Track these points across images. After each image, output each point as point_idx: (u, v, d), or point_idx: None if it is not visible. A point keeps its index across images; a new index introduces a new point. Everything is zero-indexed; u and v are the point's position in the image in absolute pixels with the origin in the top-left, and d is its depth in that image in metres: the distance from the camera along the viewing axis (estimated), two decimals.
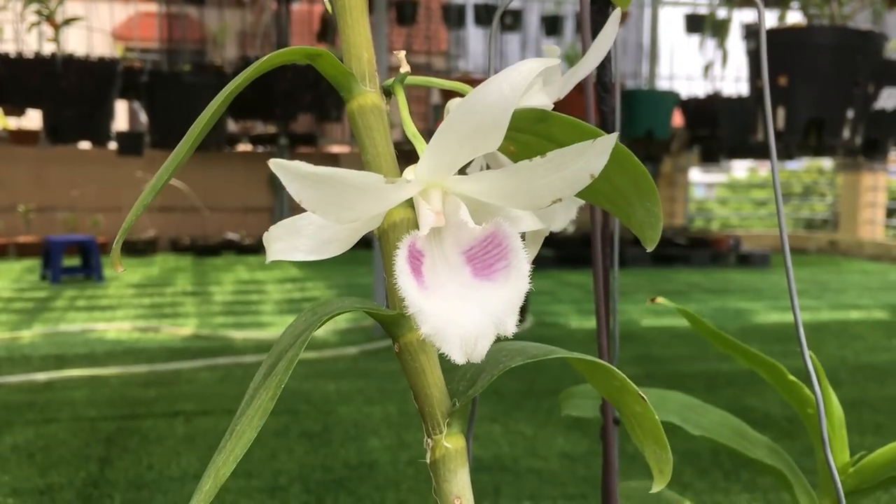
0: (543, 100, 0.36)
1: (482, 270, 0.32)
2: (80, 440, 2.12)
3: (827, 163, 9.78)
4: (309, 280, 5.49)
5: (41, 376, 2.73)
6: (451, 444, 0.35)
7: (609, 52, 0.47)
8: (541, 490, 1.81)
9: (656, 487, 0.39)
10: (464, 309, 0.31)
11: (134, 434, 2.17)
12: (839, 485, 0.41)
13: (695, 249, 6.66)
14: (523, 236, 0.31)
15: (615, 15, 0.36)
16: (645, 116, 5.13)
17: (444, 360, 0.31)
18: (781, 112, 2.27)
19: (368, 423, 2.28)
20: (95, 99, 3.51)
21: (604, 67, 0.47)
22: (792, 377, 0.49)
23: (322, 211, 0.31)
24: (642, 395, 0.34)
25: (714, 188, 12.08)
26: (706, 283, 5.46)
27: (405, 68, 0.34)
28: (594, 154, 0.30)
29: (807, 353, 0.46)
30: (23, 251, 6.78)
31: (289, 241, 0.34)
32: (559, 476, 1.89)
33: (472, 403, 0.37)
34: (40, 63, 3.41)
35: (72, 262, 5.63)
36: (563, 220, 0.37)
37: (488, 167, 0.38)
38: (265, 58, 0.32)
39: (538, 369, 2.88)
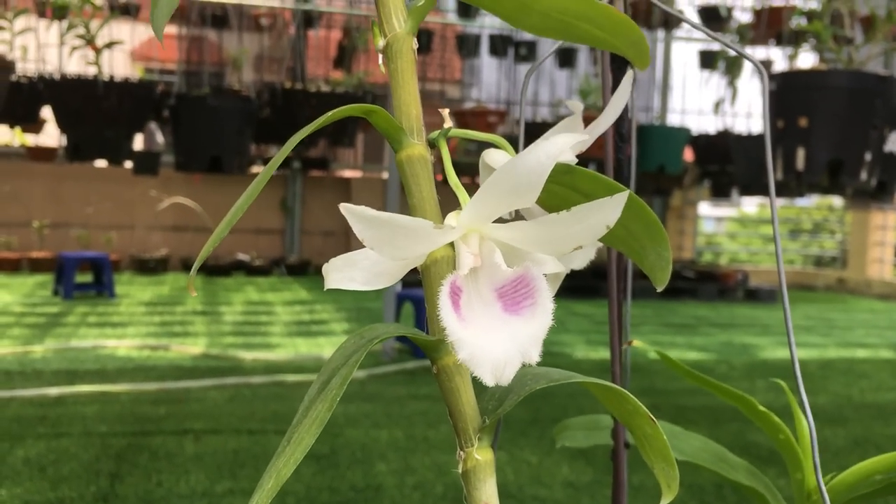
0: (569, 156, 0.40)
1: (511, 306, 0.37)
2: (91, 455, 2.15)
3: (837, 200, 9.81)
4: (318, 303, 5.52)
5: (53, 391, 2.77)
6: (480, 456, 0.40)
7: (626, 106, 0.51)
8: None
9: (665, 500, 0.43)
10: (495, 339, 0.36)
11: (144, 451, 2.20)
12: (826, 499, 0.44)
13: (703, 283, 6.68)
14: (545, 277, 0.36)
15: (628, 76, 0.40)
16: (657, 151, 5.19)
17: (475, 382, 0.35)
18: (801, 152, 2.31)
19: (375, 446, 2.30)
20: (132, 121, 3.59)
21: (621, 119, 0.51)
22: (762, 408, 0.54)
23: (379, 248, 0.36)
24: (652, 418, 0.38)
25: (723, 222, 12.12)
26: (713, 317, 5.48)
27: (448, 124, 0.38)
28: (611, 208, 0.35)
29: (801, 385, 0.50)
30: (36, 266, 6.85)
31: (346, 273, 0.39)
32: None
33: (498, 421, 0.42)
34: (82, 85, 3.49)
35: (84, 279, 5.68)
36: (581, 260, 0.42)
37: (517, 212, 0.42)
38: (332, 112, 0.37)
39: (544, 398, 2.91)
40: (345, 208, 0.34)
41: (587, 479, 2.09)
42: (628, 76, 0.39)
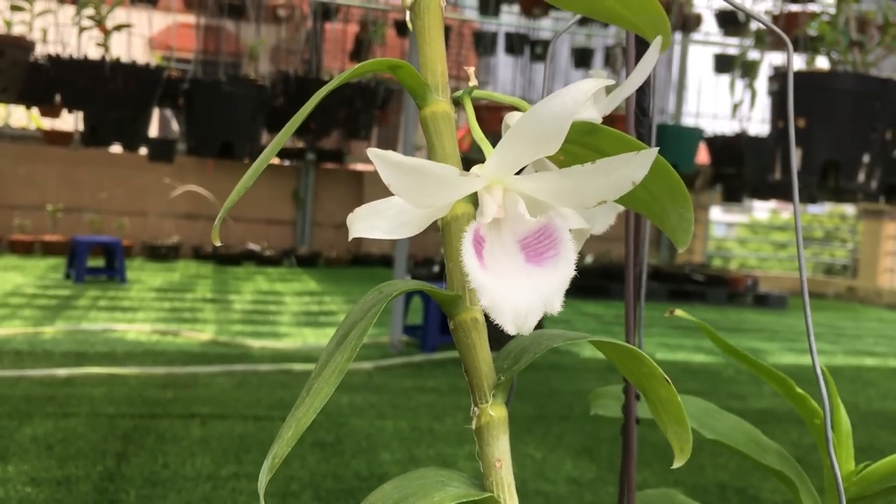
0: (593, 114, 0.41)
1: (534, 257, 0.37)
2: (98, 435, 2.16)
3: (850, 209, 9.76)
4: (327, 294, 5.54)
5: (62, 372, 2.78)
6: (494, 412, 0.40)
7: (648, 79, 0.51)
8: None
9: (677, 463, 0.43)
10: (518, 288, 0.36)
11: (151, 433, 2.21)
12: (841, 487, 0.44)
13: (712, 287, 6.66)
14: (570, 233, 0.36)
15: (656, 42, 0.40)
16: (670, 150, 5.17)
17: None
18: (798, 153, 2.31)
19: (380, 436, 2.31)
20: (139, 104, 3.60)
21: (643, 92, 0.51)
22: (800, 390, 0.53)
23: (405, 194, 0.36)
24: (667, 379, 0.38)
25: (734, 228, 12.07)
26: (722, 322, 5.46)
27: (473, 82, 0.38)
28: (637, 164, 0.35)
29: (818, 362, 0.50)
30: (48, 249, 6.89)
31: (370, 222, 0.39)
32: (566, 500, 1.91)
33: (511, 385, 0.42)
34: (90, 66, 3.50)
35: (96, 263, 5.71)
36: (603, 223, 0.42)
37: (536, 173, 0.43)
38: (356, 66, 0.37)
39: (549, 396, 2.91)
40: (373, 153, 0.35)
41: (591, 475, 2.09)
42: (655, 43, 0.39)
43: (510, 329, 0.35)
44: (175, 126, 5.57)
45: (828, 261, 9.87)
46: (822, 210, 11.00)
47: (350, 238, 0.40)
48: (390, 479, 1.54)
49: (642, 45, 0.43)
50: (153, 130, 7.54)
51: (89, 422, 2.27)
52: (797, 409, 0.56)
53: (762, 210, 11.45)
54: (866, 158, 2.31)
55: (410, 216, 0.39)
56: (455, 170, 0.36)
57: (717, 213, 11.11)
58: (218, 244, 0.39)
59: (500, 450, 0.39)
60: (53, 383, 2.67)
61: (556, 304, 0.36)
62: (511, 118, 0.41)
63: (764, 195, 4.85)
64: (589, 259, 7.50)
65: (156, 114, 8.05)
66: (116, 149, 6.88)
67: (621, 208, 0.43)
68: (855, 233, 9.24)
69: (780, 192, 4.18)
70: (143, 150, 5.61)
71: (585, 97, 0.34)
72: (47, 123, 6.60)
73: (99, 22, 3.59)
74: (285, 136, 0.39)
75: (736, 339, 4.66)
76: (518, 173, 0.38)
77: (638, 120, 0.51)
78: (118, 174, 7.38)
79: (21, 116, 7.35)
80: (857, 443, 2.19)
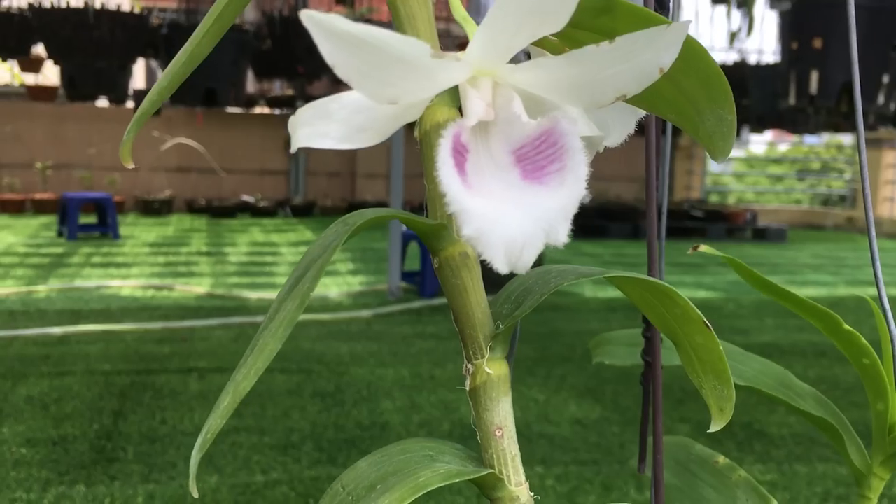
0: None
1: (533, 172, 0.29)
2: (94, 393, 2.13)
3: (847, 139, 9.66)
4: None
5: (56, 330, 2.74)
6: (493, 370, 0.33)
7: None
8: (552, 455, 1.80)
9: (715, 426, 0.36)
10: (511, 213, 0.28)
11: (148, 389, 2.18)
12: None
13: (711, 223, 6.61)
14: None
15: None
16: None
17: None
18: (815, 76, 2.22)
19: (381, 384, 2.28)
20: (125, 54, 3.50)
21: None
22: (847, 326, 0.47)
23: (357, 81, 0.27)
24: (707, 323, 0.31)
25: (731, 163, 11.97)
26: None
27: None
28: (666, 43, 0.27)
29: (885, 294, 0.44)
30: (40, 208, 6.81)
31: (317, 127, 0.30)
32: (571, 442, 1.88)
33: (513, 334, 0.35)
34: (72, 14, 3.39)
35: (88, 220, 5.64)
36: (619, 133, 0.35)
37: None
38: None
39: (551, 337, 2.87)
40: (306, 16, 0.26)
41: (595, 416, 2.07)
42: None
43: (501, 266, 0.27)
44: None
45: (825, 192, 9.81)
46: (819, 141, 10.90)
47: (292, 150, 0.32)
48: (392, 427, 1.48)
49: None
50: (140, 82, 7.41)
51: (85, 380, 2.23)
52: (840, 347, 0.50)
53: (759, 143, 11.34)
54: (885, 79, 2.22)
55: (369, 118, 0.30)
56: (426, 46, 0.27)
57: None
58: (130, 166, 0.33)
59: (501, 415, 0.32)
60: (48, 342, 2.63)
61: (560, 233, 0.28)
62: None
63: (770, 125, 4.75)
64: (587, 198, 7.44)
65: (142, 65, 7.91)
66: (103, 103, 6.76)
67: (641, 112, 0.35)
68: (852, 163, 9.16)
69: (790, 120, 4.08)
70: (130, 104, 5.51)
71: None
72: (30, 79, 6.47)
73: None
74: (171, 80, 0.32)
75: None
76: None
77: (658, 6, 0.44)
78: (106, 129, 7.26)
79: (4, 73, 7.20)
80: None
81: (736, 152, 11.85)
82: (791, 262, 5.24)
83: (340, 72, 0.26)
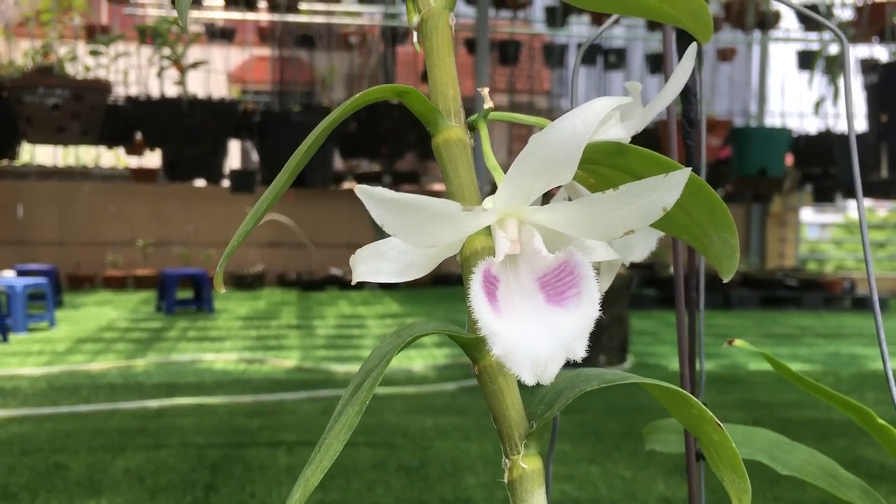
0: (620, 133, 0.37)
1: (554, 297, 0.33)
2: (188, 466, 2.20)
3: None
4: (409, 315, 5.55)
5: (153, 403, 2.85)
6: (527, 464, 0.36)
7: (696, 87, 0.48)
8: None
9: None
10: (535, 333, 0.32)
11: (238, 462, 2.24)
12: None
13: (806, 292, 6.42)
14: (597, 267, 0.33)
15: (691, 49, 0.36)
16: (757, 154, 5.03)
17: (524, 388, 0.32)
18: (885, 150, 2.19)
19: (465, 459, 2.28)
20: (216, 138, 3.70)
21: (689, 102, 0.47)
22: (881, 420, 0.48)
23: (402, 235, 0.33)
24: (719, 423, 0.34)
25: (828, 229, 11.64)
26: (819, 327, 5.25)
27: (489, 104, 0.36)
28: (667, 188, 0.31)
29: None
30: (140, 283, 7.12)
31: (373, 264, 0.36)
32: None
33: (552, 427, 0.38)
34: (167, 104, 3.62)
35: (185, 295, 5.87)
36: (642, 251, 0.38)
37: (570, 200, 0.39)
38: (358, 95, 0.35)
39: (638, 411, 2.83)
40: (360, 190, 0.32)
41: (683, 494, 2.02)
42: (691, 49, 0.36)
43: (528, 379, 0.31)
44: (256, 158, 5.71)
45: None
46: None
47: (353, 282, 0.37)
48: (476, 503, 1.49)
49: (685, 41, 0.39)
50: (235, 162, 7.75)
51: (179, 453, 2.31)
52: (879, 441, 0.50)
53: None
54: None
55: (416, 257, 0.36)
56: (457, 205, 0.33)
57: (808, 214, 10.72)
58: (222, 291, 0.37)
59: None
60: (145, 415, 2.74)
61: (578, 349, 0.32)
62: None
63: (863, 193, 4.64)
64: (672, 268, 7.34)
65: (237, 146, 8.28)
66: (200, 183, 7.09)
67: (661, 233, 0.39)
68: None
69: (882, 190, 3.98)
70: (226, 183, 5.77)
71: (598, 118, 0.30)
72: (133, 162, 6.85)
73: (175, 61, 3.71)
74: (285, 175, 0.37)
75: (835, 346, 4.46)
76: (546, 201, 0.35)
77: (685, 132, 0.47)
78: (203, 207, 7.60)
79: (110, 157, 7.65)
80: None
81: (834, 217, 11.51)
82: (893, 333, 5.03)
83: (389, 229, 0.32)
